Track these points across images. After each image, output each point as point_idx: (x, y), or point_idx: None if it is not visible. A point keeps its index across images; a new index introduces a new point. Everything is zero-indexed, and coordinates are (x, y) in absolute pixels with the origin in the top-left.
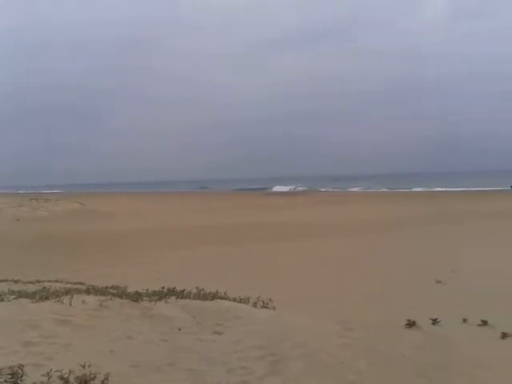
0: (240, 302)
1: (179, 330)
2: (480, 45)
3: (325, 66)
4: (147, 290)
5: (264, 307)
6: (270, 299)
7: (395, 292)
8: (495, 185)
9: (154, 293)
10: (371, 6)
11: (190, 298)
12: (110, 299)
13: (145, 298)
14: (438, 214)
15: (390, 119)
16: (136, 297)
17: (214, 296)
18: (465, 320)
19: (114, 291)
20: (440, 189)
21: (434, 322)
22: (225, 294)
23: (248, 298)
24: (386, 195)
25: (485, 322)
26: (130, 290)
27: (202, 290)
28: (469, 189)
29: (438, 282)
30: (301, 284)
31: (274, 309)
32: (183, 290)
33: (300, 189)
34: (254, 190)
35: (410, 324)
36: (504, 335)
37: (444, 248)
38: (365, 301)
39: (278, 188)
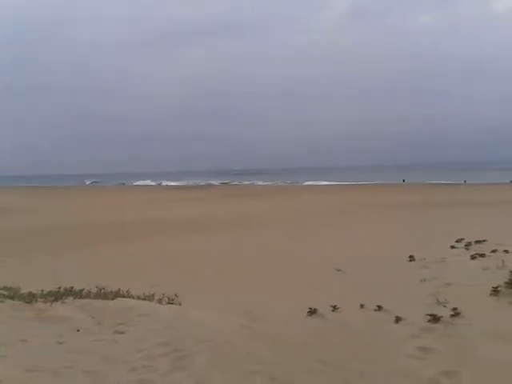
0: (144, 299)
1: (78, 331)
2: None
3: (224, 63)
4: (42, 290)
5: (169, 303)
6: (175, 295)
7: (298, 281)
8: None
9: (50, 293)
10: (272, 3)
11: (90, 297)
12: (1, 301)
13: (39, 299)
14: (324, 206)
15: (285, 119)
16: (29, 298)
17: (115, 295)
18: (362, 306)
19: (6, 293)
20: (326, 182)
21: (334, 308)
22: (127, 292)
23: (153, 295)
24: (288, 188)
25: (380, 307)
26: (24, 290)
27: (103, 289)
28: (359, 182)
29: (338, 270)
30: (207, 278)
31: (180, 304)
32: (82, 290)
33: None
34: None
35: (312, 312)
36: (397, 319)
37: (343, 238)
38: (269, 291)
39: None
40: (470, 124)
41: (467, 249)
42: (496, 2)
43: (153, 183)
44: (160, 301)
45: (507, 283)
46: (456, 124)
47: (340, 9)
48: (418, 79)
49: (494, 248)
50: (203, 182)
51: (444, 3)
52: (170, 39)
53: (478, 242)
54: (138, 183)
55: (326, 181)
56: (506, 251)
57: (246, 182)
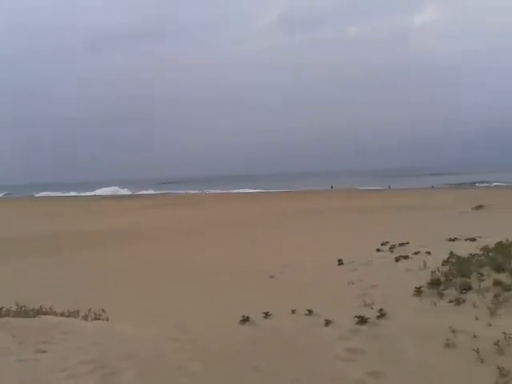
0: (69, 316)
1: None
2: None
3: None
4: None
5: (96, 319)
6: (102, 310)
7: (231, 290)
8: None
9: None
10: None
11: (9, 315)
12: None
13: None
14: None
15: (208, 128)
16: None
17: (37, 312)
18: (293, 311)
19: None
20: (256, 190)
21: (266, 315)
22: (50, 308)
23: (78, 311)
24: (217, 196)
25: (311, 312)
26: None
27: (24, 306)
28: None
29: (272, 276)
30: (135, 291)
31: (107, 319)
32: (1, 308)
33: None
34: None
35: (244, 320)
36: (327, 322)
37: (278, 245)
38: (201, 302)
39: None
40: (394, 130)
41: (392, 251)
42: (417, 16)
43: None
44: (86, 317)
45: (429, 283)
46: (375, 131)
47: (268, 19)
48: (351, 89)
49: (416, 250)
50: (123, 191)
51: (372, 15)
52: (94, 44)
53: (401, 244)
54: (43, 194)
55: (256, 189)
56: (428, 253)
57: (174, 191)
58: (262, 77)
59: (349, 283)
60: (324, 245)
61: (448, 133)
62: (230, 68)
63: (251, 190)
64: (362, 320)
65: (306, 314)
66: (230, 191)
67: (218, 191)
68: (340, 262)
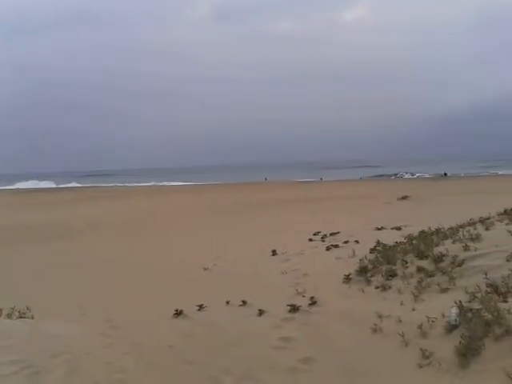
0: None
1: None
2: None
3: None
4: None
5: (21, 317)
6: (27, 308)
7: (164, 284)
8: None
9: None
10: None
11: None
12: None
13: None
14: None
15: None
16: None
17: None
18: (228, 302)
19: None
20: (190, 183)
21: (201, 308)
22: None
23: (1, 310)
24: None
25: (244, 302)
26: None
27: None
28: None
29: (206, 269)
30: (61, 287)
31: (33, 318)
32: None
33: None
34: None
35: (178, 313)
36: (261, 312)
37: (212, 237)
38: (133, 296)
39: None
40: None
41: (323, 241)
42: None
43: None
44: (9, 315)
45: (357, 271)
46: (310, 127)
47: (202, 9)
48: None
49: (346, 239)
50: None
51: (302, 10)
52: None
53: (332, 234)
54: None
55: (188, 181)
56: (357, 241)
57: (100, 185)
58: (199, 69)
59: (282, 273)
60: (258, 236)
61: (377, 128)
62: (166, 57)
63: (182, 183)
64: (294, 308)
65: (240, 305)
66: (160, 184)
67: (150, 184)
68: (274, 253)
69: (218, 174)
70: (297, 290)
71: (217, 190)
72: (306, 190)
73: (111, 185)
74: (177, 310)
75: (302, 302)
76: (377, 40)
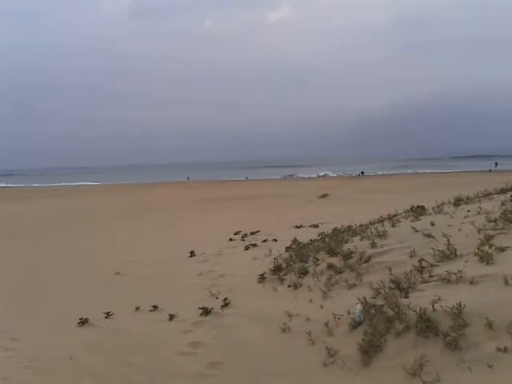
0: None
1: None
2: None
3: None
4: None
5: None
6: None
7: (71, 290)
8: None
9: None
10: None
11: None
12: None
13: None
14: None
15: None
16: None
17: None
18: (137, 308)
19: None
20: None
21: (108, 315)
22: None
23: None
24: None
25: (155, 307)
26: None
27: None
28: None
29: (118, 273)
30: None
31: None
32: None
33: None
34: None
35: (83, 322)
36: (171, 317)
37: (126, 240)
38: (36, 304)
39: None
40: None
41: (243, 240)
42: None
43: None
44: None
45: (272, 270)
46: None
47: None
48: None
49: (265, 238)
50: None
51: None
52: None
53: (253, 233)
54: None
55: (100, 181)
56: (275, 240)
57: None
58: (121, 63)
59: (198, 274)
60: (178, 236)
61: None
62: (87, 52)
63: (92, 183)
64: (206, 311)
65: (150, 311)
66: (69, 184)
67: (54, 184)
68: (192, 254)
69: (140, 173)
70: (211, 291)
71: (136, 189)
72: (230, 188)
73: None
74: (82, 319)
75: (215, 304)
76: (301, 42)
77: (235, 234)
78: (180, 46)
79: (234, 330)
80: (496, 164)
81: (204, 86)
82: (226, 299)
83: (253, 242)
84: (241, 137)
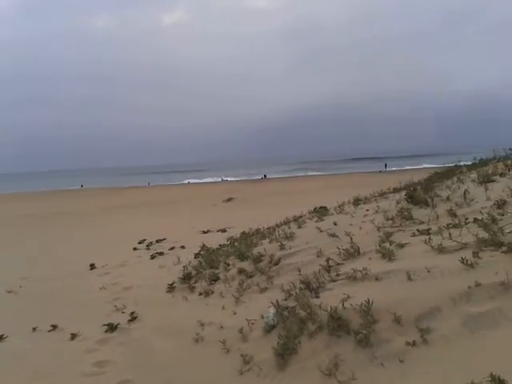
0: None
1: None
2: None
3: None
4: None
5: None
6: None
7: None
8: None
9: None
10: None
11: None
12: None
13: None
14: None
15: None
16: None
17: None
18: (34, 329)
19: None
20: None
21: (1, 338)
22: None
23: None
24: None
25: (54, 327)
26: None
27: None
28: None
29: (10, 291)
30: None
31: None
32: None
33: None
34: None
35: None
36: (73, 336)
37: (13, 257)
38: None
39: None
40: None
41: (148, 249)
42: (166, 15)
43: None
44: None
45: (181, 278)
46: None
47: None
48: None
49: (172, 245)
50: None
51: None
52: None
53: (158, 241)
54: None
55: None
56: (183, 247)
57: None
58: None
59: (101, 288)
60: (75, 248)
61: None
62: None
63: None
64: (111, 327)
65: (49, 331)
66: None
67: None
68: (92, 267)
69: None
70: (116, 306)
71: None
72: (131, 195)
73: None
74: None
75: (121, 319)
76: (198, 48)
77: (139, 242)
78: (60, 45)
79: (144, 345)
80: (386, 165)
81: (103, 87)
82: (132, 313)
83: (159, 251)
84: (132, 141)
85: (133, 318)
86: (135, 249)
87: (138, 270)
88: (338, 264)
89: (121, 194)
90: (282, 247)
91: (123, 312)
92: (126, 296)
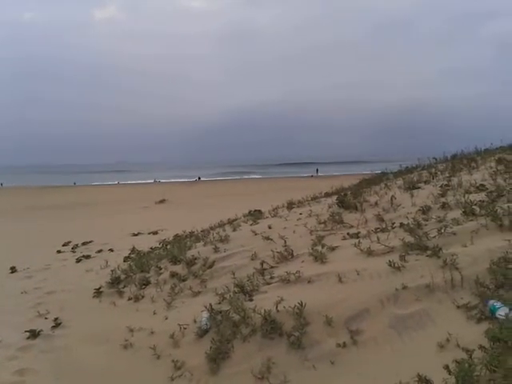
0: None
1: None
2: None
3: None
4: None
5: None
6: None
7: None
8: None
9: None
10: None
11: None
12: None
13: None
14: None
15: None
16: None
17: None
18: None
19: None
20: None
21: None
22: None
23: None
24: None
25: None
26: None
27: None
28: None
29: None
30: None
31: None
32: None
33: None
34: None
35: None
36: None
37: None
38: None
39: None
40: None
41: (74, 251)
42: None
43: None
44: None
45: (109, 283)
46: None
47: None
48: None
49: (99, 248)
50: None
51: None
52: None
53: (85, 243)
54: None
55: None
56: (111, 250)
57: None
58: None
59: (22, 293)
60: None
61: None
62: None
63: None
64: (34, 334)
65: None
66: None
67: None
68: (13, 270)
69: None
70: (38, 311)
71: None
72: (56, 195)
73: None
74: None
75: (44, 326)
76: (127, 46)
77: (64, 245)
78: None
79: (68, 353)
80: (317, 170)
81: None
82: (56, 319)
83: (85, 254)
84: (57, 138)
85: (57, 324)
86: (59, 251)
87: (63, 274)
88: (272, 267)
89: (43, 193)
90: (216, 250)
91: (46, 318)
92: (49, 301)
